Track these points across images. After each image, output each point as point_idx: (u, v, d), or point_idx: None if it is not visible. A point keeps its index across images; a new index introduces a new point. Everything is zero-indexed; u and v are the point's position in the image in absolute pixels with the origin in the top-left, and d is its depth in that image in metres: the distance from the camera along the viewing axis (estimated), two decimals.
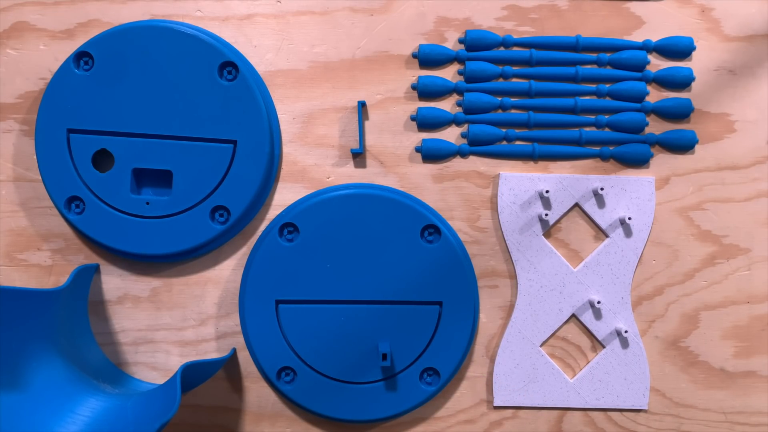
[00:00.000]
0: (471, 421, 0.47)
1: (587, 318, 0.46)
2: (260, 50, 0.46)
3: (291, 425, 0.46)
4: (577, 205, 0.46)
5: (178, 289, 0.46)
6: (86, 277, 0.45)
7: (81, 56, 0.43)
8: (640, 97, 0.46)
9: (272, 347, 0.44)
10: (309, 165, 0.46)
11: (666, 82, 0.46)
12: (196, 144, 0.43)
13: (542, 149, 0.46)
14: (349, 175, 0.46)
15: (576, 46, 0.46)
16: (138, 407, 0.39)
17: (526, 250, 0.46)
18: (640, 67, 0.46)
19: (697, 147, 0.47)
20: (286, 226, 0.44)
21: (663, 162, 0.46)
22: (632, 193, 0.46)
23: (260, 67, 0.46)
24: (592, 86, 0.46)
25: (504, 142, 0.46)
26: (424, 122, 0.46)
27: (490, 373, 0.46)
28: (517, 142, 0.46)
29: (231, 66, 0.43)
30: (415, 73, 0.46)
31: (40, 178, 0.45)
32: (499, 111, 0.46)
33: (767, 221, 0.47)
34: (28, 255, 0.46)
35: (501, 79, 0.46)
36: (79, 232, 0.45)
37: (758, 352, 0.47)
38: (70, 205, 0.44)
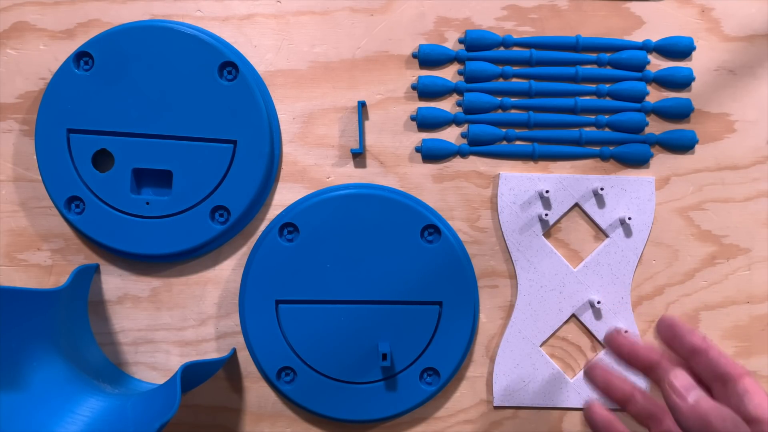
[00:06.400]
0: (471, 421, 0.47)
1: (587, 318, 0.46)
2: (260, 50, 0.46)
3: (291, 425, 0.46)
4: (577, 205, 0.46)
5: (178, 289, 0.46)
6: (86, 277, 0.45)
7: (81, 56, 0.43)
8: (640, 97, 0.46)
9: (272, 347, 0.44)
10: (309, 165, 0.46)
11: (666, 82, 0.46)
12: (196, 144, 0.43)
13: (542, 149, 0.46)
14: (349, 175, 0.46)
15: (576, 46, 0.46)
16: (138, 407, 0.39)
17: (526, 250, 0.46)
18: (640, 67, 0.46)
19: (697, 147, 0.46)
20: (286, 226, 0.44)
21: (663, 162, 0.46)
22: (632, 193, 0.46)
23: (260, 67, 0.46)
24: (592, 86, 0.46)
25: (504, 142, 0.46)
26: (424, 122, 0.46)
27: (490, 373, 0.46)
28: (517, 142, 0.46)
29: (231, 66, 0.43)
30: (415, 73, 0.46)
31: (40, 178, 0.45)
32: (499, 111, 0.46)
33: (767, 221, 0.47)
34: (28, 255, 0.46)
35: (501, 79, 0.46)
36: (79, 232, 0.45)
37: (758, 352, 0.47)
38: (70, 205, 0.44)
